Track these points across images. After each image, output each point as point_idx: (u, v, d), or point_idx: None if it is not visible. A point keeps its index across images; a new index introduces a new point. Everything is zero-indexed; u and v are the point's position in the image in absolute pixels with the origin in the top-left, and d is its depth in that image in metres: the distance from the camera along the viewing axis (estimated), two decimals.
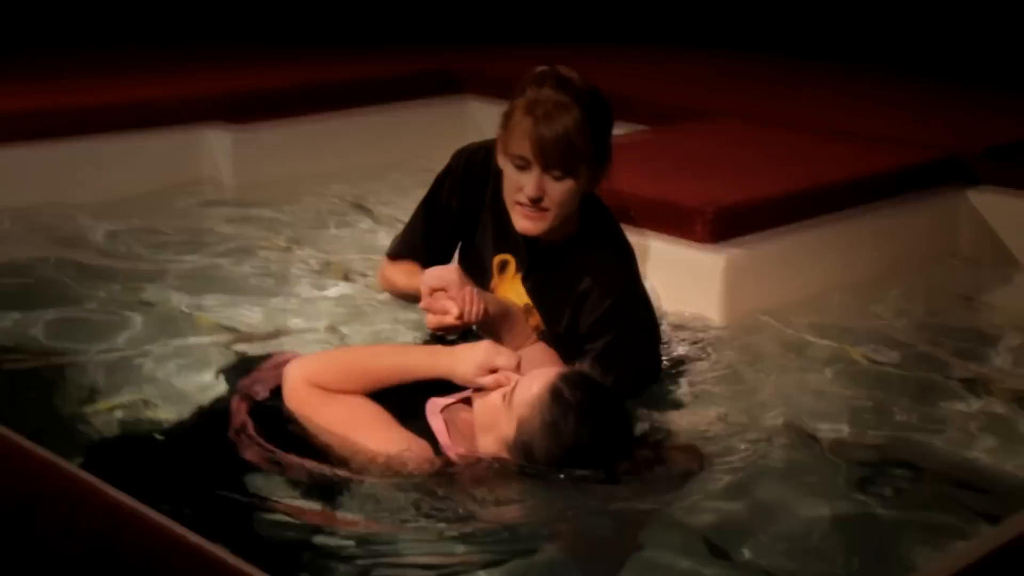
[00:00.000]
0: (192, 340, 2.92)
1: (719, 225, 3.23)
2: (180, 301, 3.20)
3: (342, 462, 2.21)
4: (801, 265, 3.40)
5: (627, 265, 2.72)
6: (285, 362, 2.40)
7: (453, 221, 2.78)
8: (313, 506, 2.14)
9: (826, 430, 2.57)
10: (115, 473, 1.86)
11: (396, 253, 2.87)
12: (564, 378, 2.18)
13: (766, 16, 6.53)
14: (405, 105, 4.98)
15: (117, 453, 2.33)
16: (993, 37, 5.73)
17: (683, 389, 2.76)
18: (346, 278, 3.42)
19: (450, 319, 2.41)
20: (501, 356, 2.28)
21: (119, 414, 2.50)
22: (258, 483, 2.19)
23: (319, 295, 3.31)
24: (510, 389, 2.20)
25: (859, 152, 3.94)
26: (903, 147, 4.02)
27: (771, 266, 3.30)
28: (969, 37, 5.78)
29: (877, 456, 2.47)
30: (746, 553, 2.05)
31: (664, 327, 2.96)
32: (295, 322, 3.08)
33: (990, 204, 3.91)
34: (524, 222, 2.54)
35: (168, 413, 2.49)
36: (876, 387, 2.82)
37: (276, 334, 3.00)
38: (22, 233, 3.79)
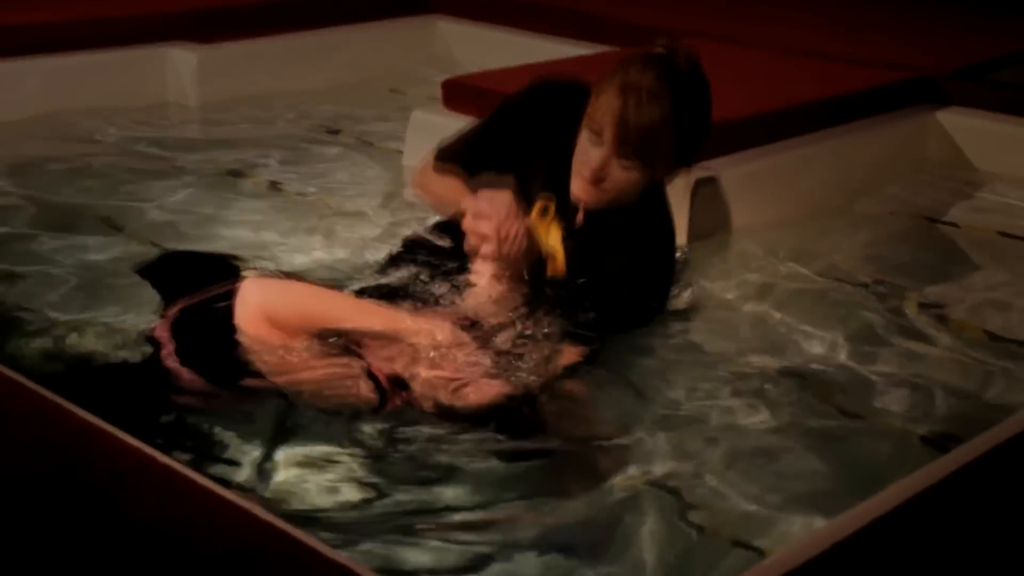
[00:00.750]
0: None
1: None
2: (145, 235, 3.14)
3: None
4: (769, 186, 3.40)
5: (666, 256, 2.61)
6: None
7: (514, 148, 2.64)
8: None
9: (781, 358, 2.56)
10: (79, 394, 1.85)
11: (445, 158, 2.70)
12: None
13: None
14: (373, 24, 4.92)
15: (77, 376, 2.32)
16: None
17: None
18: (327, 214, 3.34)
19: (488, 249, 2.34)
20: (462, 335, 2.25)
21: (74, 338, 2.47)
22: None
23: (300, 230, 3.20)
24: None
25: (829, 72, 3.94)
26: (873, 68, 4.02)
27: (739, 187, 3.30)
28: None
29: (830, 385, 2.47)
30: (708, 486, 2.07)
31: None
32: (276, 256, 2.98)
33: (958, 124, 3.92)
34: (580, 190, 2.47)
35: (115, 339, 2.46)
36: (836, 312, 2.82)
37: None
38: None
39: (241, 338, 2.22)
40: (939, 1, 5.23)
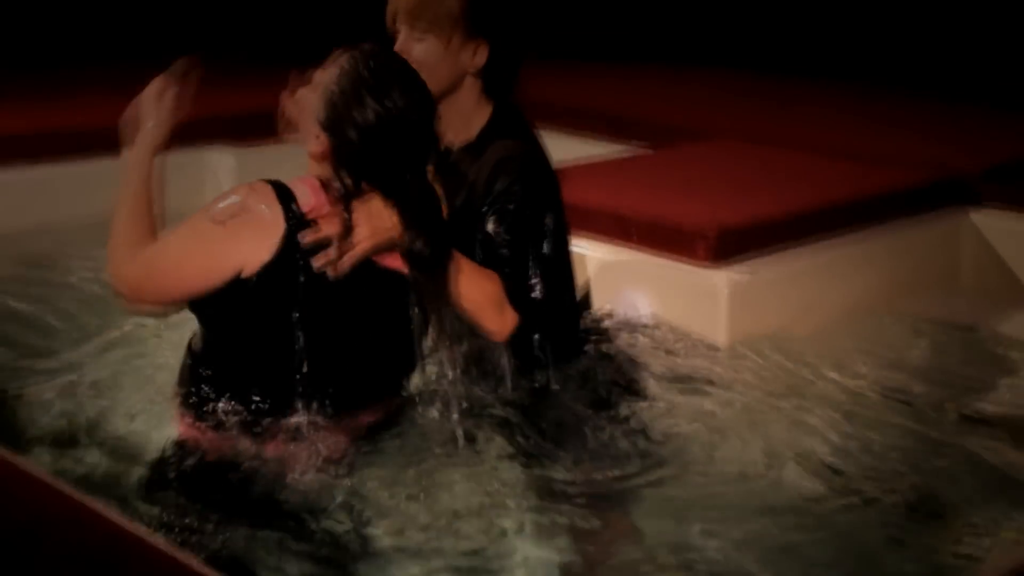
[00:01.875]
0: None
1: (721, 246, 3.23)
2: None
3: None
4: (802, 287, 3.39)
5: (532, 151, 2.68)
6: None
7: None
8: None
9: (820, 462, 2.55)
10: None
11: None
12: (363, 51, 2.31)
13: (766, 34, 6.55)
14: None
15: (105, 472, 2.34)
16: (992, 56, 5.74)
17: (682, 410, 2.75)
18: None
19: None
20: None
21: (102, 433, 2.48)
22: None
23: None
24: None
25: (860, 172, 3.95)
26: (904, 167, 4.02)
27: (773, 288, 3.30)
28: (969, 55, 5.80)
29: (873, 490, 2.45)
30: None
31: (665, 347, 2.95)
32: None
33: (992, 224, 3.91)
34: None
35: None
36: (873, 419, 2.79)
37: None
38: (26, 252, 3.80)
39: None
40: (971, 100, 5.26)
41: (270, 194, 2.25)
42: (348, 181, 2.28)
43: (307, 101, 2.34)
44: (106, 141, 4.24)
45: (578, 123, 4.93)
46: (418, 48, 2.56)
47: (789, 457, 2.55)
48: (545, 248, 2.58)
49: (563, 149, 4.58)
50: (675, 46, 6.56)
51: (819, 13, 6.53)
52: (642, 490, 2.39)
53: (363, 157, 2.28)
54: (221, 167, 4.44)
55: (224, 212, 2.24)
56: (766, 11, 6.72)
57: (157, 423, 2.44)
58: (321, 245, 2.24)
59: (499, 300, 2.45)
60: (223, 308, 2.27)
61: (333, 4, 6.55)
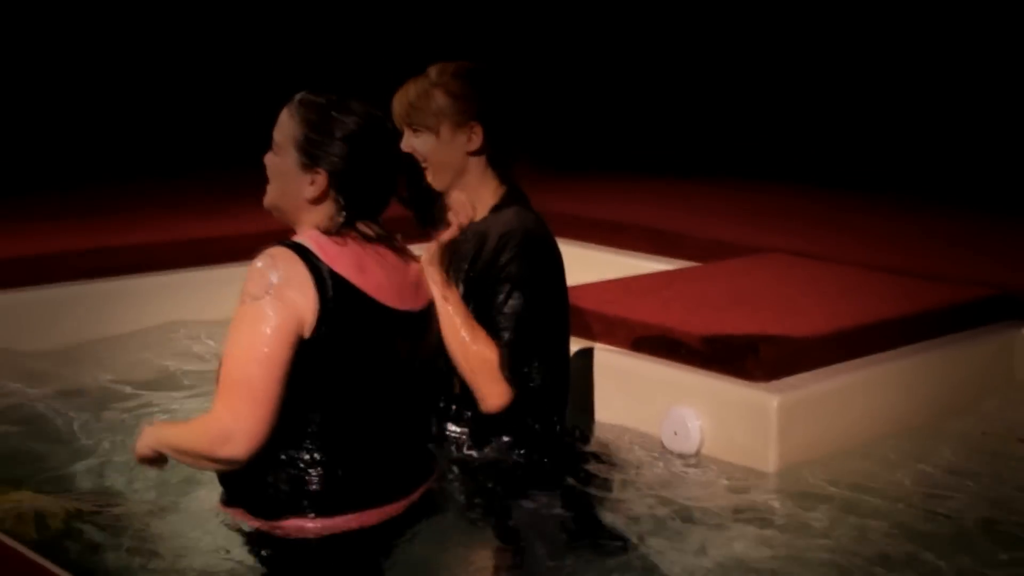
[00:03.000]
0: None
1: (770, 363, 3.21)
2: None
3: None
4: (853, 405, 3.34)
5: (535, 225, 2.86)
6: None
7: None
8: None
9: None
10: None
11: None
12: (301, 95, 2.44)
13: (815, 150, 6.59)
14: None
15: None
16: None
17: (733, 532, 2.71)
18: None
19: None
20: None
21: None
22: None
23: None
24: None
25: (911, 288, 3.92)
26: (955, 284, 3.99)
27: (823, 404, 3.26)
28: (1021, 172, 5.79)
29: None
30: None
31: (711, 468, 2.91)
32: None
33: None
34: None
35: None
36: (930, 541, 2.72)
37: None
38: (74, 367, 3.85)
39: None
40: (1018, 217, 5.23)
41: (290, 254, 2.32)
42: (353, 202, 2.40)
43: (281, 155, 2.42)
44: None
45: (623, 238, 4.96)
46: (417, 143, 2.86)
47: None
48: (543, 324, 2.76)
49: (608, 264, 4.62)
50: (715, 159, 6.61)
51: (869, 127, 6.57)
52: None
53: (360, 165, 2.39)
54: None
55: (260, 286, 2.28)
56: (814, 125, 6.78)
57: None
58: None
59: (494, 369, 2.62)
60: (305, 379, 2.30)
61: None
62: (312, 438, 2.31)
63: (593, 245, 5.02)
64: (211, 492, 2.50)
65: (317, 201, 2.39)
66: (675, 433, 3.19)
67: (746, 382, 3.19)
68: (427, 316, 2.53)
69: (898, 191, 5.77)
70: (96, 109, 7.33)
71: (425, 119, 2.85)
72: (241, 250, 4.41)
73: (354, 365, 2.35)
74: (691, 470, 3.07)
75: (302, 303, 2.27)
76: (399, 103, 2.88)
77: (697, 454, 3.14)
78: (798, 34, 6.87)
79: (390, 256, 2.44)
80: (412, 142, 2.86)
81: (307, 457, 2.31)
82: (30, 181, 5.83)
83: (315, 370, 2.29)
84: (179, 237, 4.55)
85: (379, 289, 2.37)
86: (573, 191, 5.61)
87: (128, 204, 5.13)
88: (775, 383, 3.19)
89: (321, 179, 2.37)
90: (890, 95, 6.51)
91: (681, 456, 3.14)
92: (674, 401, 3.23)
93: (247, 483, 2.33)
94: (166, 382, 3.78)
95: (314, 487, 2.30)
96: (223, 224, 4.71)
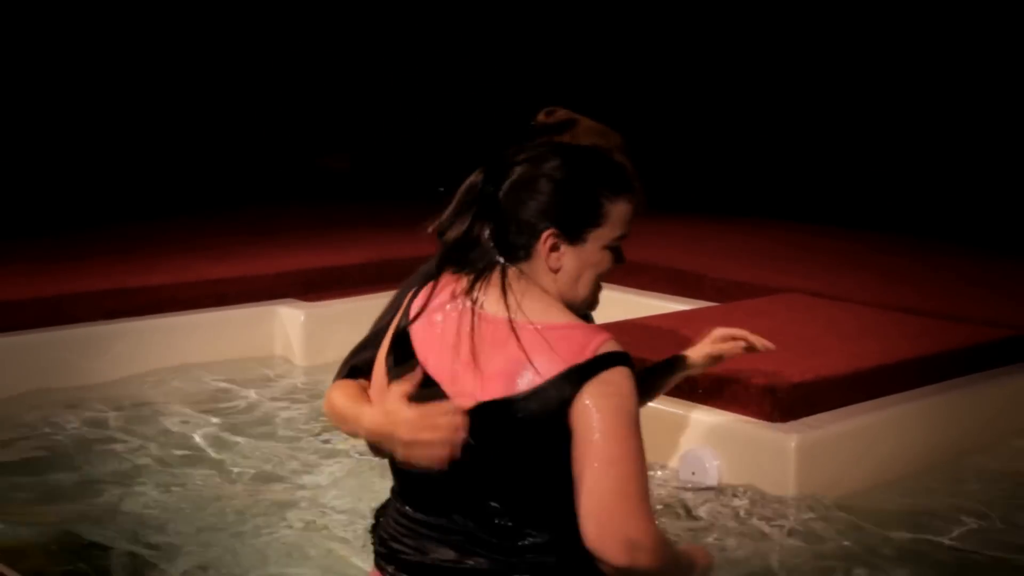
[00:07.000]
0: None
1: (789, 403, 3.20)
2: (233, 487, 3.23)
3: None
4: (871, 445, 3.34)
5: None
6: None
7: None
8: None
9: None
10: None
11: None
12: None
13: (833, 191, 6.60)
14: None
15: None
16: None
17: (749, 571, 2.69)
18: None
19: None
20: None
21: None
22: None
23: None
24: None
25: (929, 329, 3.92)
26: (974, 324, 3.99)
27: (841, 444, 3.25)
28: None
29: None
30: None
31: (728, 508, 2.89)
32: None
33: None
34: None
35: None
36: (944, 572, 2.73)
37: None
38: (100, 405, 3.88)
39: None
40: None
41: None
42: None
43: None
44: None
45: (642, 279, 4.96)
46: None
47: None
48: None
49: (627, 305, 4.62)
50: (733, 201, 6.62)
51: (888, 168, 6.58)
52: None
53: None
54: (290, 322, 4.51)
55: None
56: (833, 166, 6.79)
57: None
58: None
59: None
60: None
61: None
62: None
63: (613, 285, 5.02)
64: None
65: None
66: (693, 473, 3.19)
67: (764, 422, 3.19)
68: None
69: (916, 232, 5.77)
70: (116, 151, 7.41)
71: None
72: (258, 291, 4.55)
73: None
74: (708, 509, 3.06)
75: None
76: None
77: (715, 494, 3.14)
78: (818, 77, 6.90)
79: None
80: None
81: None
82: (52, 223, 5.87)
83: None
84: (196, 278, 4.58)
85: None
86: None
87: (149, 245, 5.17)
88: (793, 423, 3.19)
89: None
90: (909, 137, 6.52)
91: (698, 495, 3.14)
92: (692, 441, 3.23)
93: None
94: (184, 423, 3.79)
95: None
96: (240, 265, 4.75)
